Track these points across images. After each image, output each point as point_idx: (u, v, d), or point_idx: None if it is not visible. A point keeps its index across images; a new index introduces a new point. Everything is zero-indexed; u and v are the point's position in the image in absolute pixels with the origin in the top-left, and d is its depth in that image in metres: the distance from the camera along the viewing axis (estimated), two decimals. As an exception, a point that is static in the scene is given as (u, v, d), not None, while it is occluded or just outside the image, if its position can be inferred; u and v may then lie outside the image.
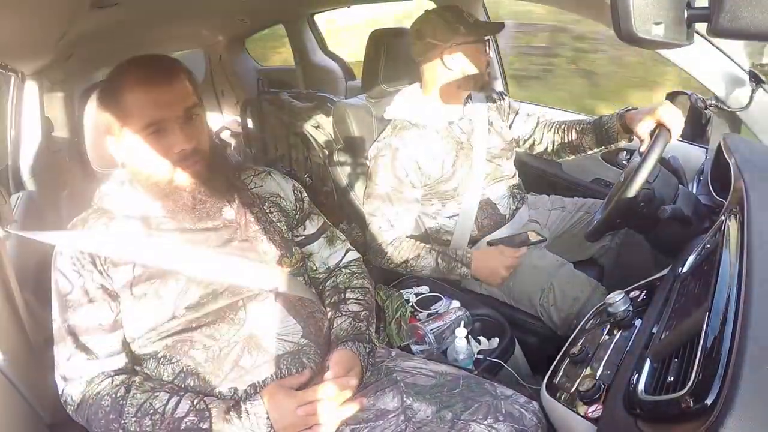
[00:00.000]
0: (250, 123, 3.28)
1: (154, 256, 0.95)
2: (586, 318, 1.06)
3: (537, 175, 2.00)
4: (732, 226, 0.84)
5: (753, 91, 1.23)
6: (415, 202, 1.50)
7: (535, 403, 0.94)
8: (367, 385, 0.98)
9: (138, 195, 0.98)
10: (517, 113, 1.65)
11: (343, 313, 1.08)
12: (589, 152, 1.56)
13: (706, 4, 0.66)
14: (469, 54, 1.44)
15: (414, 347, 1.25)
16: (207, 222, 1.00)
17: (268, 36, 4.21)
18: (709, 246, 0.91)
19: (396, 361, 1.05)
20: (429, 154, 1.47)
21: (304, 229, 1.16)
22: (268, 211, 1.08)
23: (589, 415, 0.80)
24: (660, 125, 1.24)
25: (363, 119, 1.73)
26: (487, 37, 1.48)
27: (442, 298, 1.39)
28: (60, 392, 0.95)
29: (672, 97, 1.38)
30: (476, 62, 1.45)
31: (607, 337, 0.94)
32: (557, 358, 0.97)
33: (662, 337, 0.79)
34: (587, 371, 0.88)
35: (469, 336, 1.26)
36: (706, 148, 1.47)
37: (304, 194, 1.18)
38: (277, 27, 3.39)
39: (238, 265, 0.98)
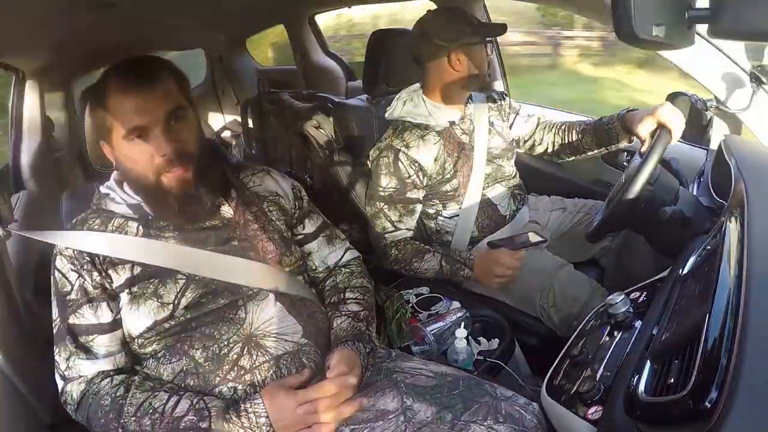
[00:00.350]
0: (250, 123, 3.28)
1: (152, 255, 0.95)
2: (586, 319, 1.05)
3: (538, 175, 2.00)
4: (732, 228, 0.84)
5: (753, 93, 1.23)
6: (417, 202, 1.50)
7: (535, 405, 0.94)
8: (367, 385, 0.98)
9: (134, 195, 0.99)
10: (517, 114, 1.65)
11: (343, 313, 1.08)
12: (590, 153, 1.56)
13: (707, 5, 0.66)
14: (473, 55, 1.44)
15: (414, 348, 1.25)
16: (205, 221, 1.00)
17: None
18: (709, 247, 0.91)
19: (396, 362, 1.05)
20: (430, 154, 1.47)
21: (303, 228, 1.16)
22: (267, 209, 1.08)
23: (589, 416, 0.80)
24: (661, 126, 1.24)
25: (364, 120, 1.73)
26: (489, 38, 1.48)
27: (442, 299, 1.39)
28: (60, 392, 0.95)
29: (672, 98, 1.38)
30: (479, 63, 1.45)
31: (607, 338, 0.93)
32: (557, 360, 0.97)
33: (663, 338, 0.79)
34: (587, 372, 0.88)
35: (469, 337, 1.26)
36: (707, 150, 1.47)
37: (303, 193, 1.18)
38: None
39: (237, 264, 0.98)
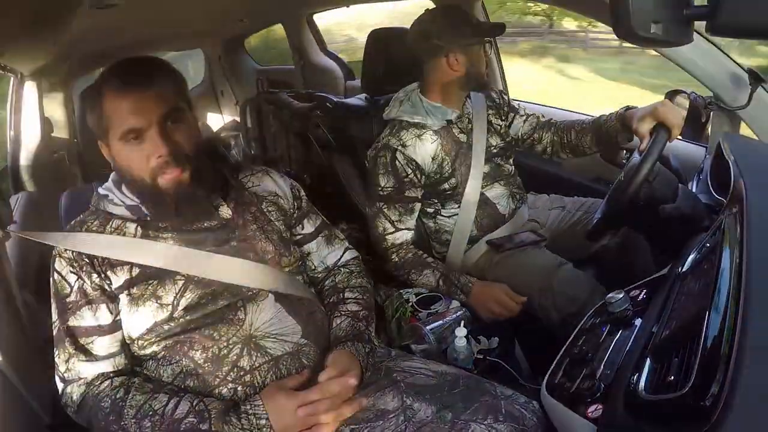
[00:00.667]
0: (249, 123, 3.28)
1: (151, 256, 0.94)
2: (586, 317, 1.05)
3: (536, 174, 2.00)
4: (732, 225, 0.84)
5: (752, 90, 1.23)
6: (416, 201, 1.50)
7: (535, 403, 0.94)
8: (367, 385, 0.98)
9: (132, 197, 0.98)
10: (516, 113, 1.65)
11: (342, 313, 1.08)
12: (589, 152, 1.56)
13: (705, 3, 0.66)
14: (472, 54, 1.44)
15: (414, 347, 1.25)
16: (204, 222, 1.00)
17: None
18: (708, 245, 0.91)
19: (396, 361, 1.05)
20: (428, 153, 1.47)
21: (302, 228, 1.15)
22: (265, 210, 1.08)
23: (590, 414, 0.80)
24: (659, 124, 1.24)
25: (362, 119, 1.73)
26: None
27: (441, 298, 1.38)
28: (60, 394, 0.96)
29: (671, 95, 1.37)
30: (478, 63, 1.45)
31: (607, 336, 0.93)
32: (557, 358, 0.97)
33: (662, 336, 0.79)
34: (587, 371, 0.87)
35: (469, 335, 1.25)
36: (706, 147, 1.46)
37: (302, 193, 1.18)
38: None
39: (236, 264, 0.98)
